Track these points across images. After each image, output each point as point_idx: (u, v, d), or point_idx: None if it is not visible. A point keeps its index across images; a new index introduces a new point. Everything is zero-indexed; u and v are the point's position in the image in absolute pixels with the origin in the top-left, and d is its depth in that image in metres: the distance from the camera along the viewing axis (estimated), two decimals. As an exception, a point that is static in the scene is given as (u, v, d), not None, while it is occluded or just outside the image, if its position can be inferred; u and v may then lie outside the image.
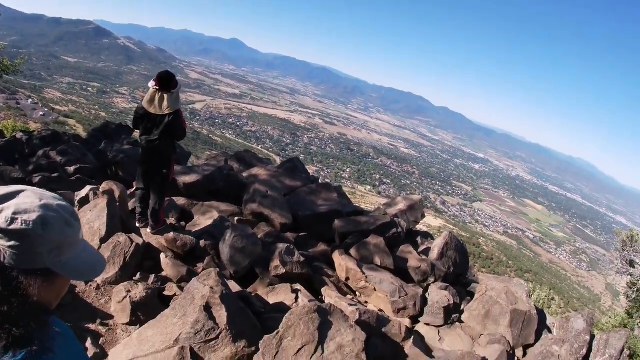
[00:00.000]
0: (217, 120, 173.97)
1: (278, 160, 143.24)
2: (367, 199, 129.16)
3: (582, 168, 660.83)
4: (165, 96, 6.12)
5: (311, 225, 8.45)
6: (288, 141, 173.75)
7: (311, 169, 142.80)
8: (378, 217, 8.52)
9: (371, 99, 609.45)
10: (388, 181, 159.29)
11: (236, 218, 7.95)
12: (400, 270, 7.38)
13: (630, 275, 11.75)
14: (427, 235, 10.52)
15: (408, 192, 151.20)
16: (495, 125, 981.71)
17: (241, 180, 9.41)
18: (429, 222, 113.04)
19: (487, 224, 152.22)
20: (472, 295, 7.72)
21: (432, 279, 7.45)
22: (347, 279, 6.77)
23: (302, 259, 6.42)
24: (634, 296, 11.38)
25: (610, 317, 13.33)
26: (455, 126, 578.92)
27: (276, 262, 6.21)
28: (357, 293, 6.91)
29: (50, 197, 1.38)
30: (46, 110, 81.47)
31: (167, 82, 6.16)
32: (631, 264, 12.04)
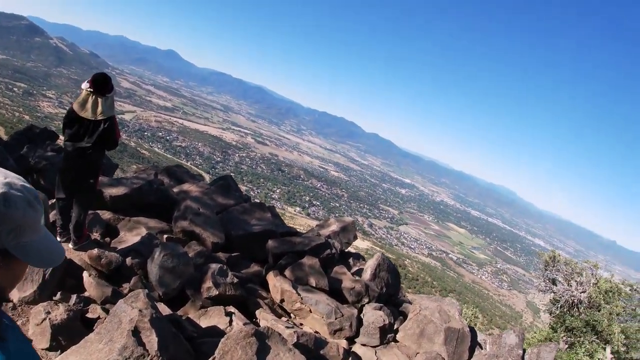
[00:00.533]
0: (146, 133, 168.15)
1: (207, 178, 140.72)
2: (296, 220, 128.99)
3: (503, 194, 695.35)
4: (100, 100, 5.69)
5: (244, 245, 8.21)
6: (219, 159, 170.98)
7: (241, 189, 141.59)
8: (312, 237, 8.45)
9: (304, 121, 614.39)
10: (318, 203, 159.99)
11: (165, 236, 7.58)
12: (335, 291, 7.33)
13: (554, 293, 12.36)
14: (358, 257, 10.56)
15: (337, 215, 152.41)
16: (422, 153, 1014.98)
17: (172, 196, 9.02)
18: (357, 244, 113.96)
19: (412, 246, 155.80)
20: (405, 315, 7.79)
21: (366, 300, 7.45)
22: (282, 300, 6.61)
23: (235, 280, 6.18)
24: (557, 312, 11.96)
25: (535, 332, 13.94)
26: (384, 152, 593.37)
27: (208, 283, 5.94)
28: (292, 315, 6.76)
29: (14, 177, 1.34)
30: None
31: (102, 84, 5.74)
32: (553, 282, 12.67)
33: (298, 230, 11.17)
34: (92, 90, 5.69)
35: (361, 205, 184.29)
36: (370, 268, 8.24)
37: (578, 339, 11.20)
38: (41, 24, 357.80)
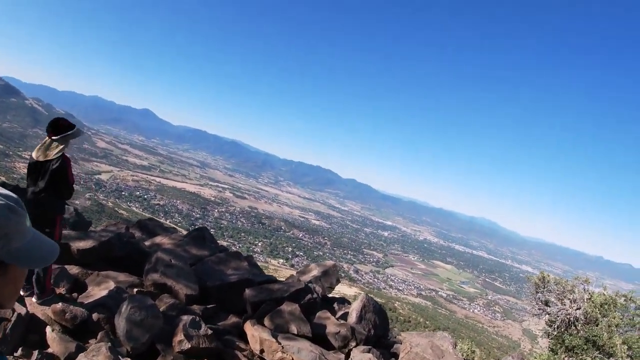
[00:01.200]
0: (123, 193, 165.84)
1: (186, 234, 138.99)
2: (280, 272, 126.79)
3: (484, 226, 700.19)
4: (53, 140, 5.56)
5: (221, 296, 7.78)
6: (198, 215, 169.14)
7: (222, 244, 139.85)
8: (292, 283, 8.08)
9: (281, 172, 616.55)
10: (301, 253, 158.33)
11: (136, 289, 7.17)
12: (319, 337, 6.93)
13: (548, 315, 12.04)
14: (343, 301, 10.19)
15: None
16: (401, 194, 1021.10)
17: (143, 249, 8.63)
18: (344, 290, 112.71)
19: (400, 287, 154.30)
20: (396, 356, 7.38)
21: (353, 344, 7.04)
22: (262, 350, 6.16)
23: (209, 332, 5.76)
24: (555, 333, 11.61)
25: (535, 358, 13.49)
26: (363, 196, 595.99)
27: (180, 336, 5.53)
28: (274, 366, 6.32)
29: None
30: None
31: (54, 125, 5.61)
32: (546, 303, 12.37)
33: (280, 279, 10.80)
34: (47, 133, 5.63)
35: (345, 251, 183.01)
36: (356, 310, 7.87)
37: (580, 357, 10.86)
38: (17, 85, 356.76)
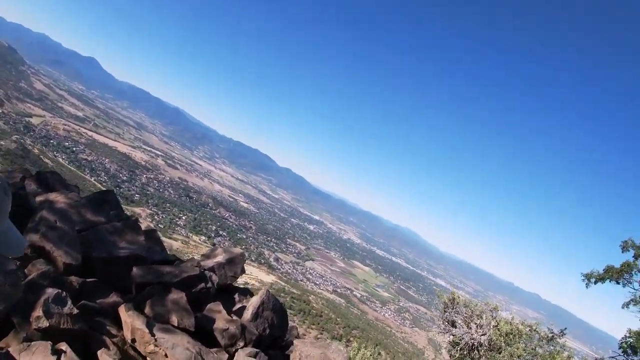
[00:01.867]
0: (52, 141, 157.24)
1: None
2: (200, 249, 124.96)
3: (407, 235, 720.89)
4: None
5: (105, 270, 6.95)
6: (125, 178, 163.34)
7: (145, 211, 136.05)
8: (185, 268, 7.36)
9: (218, 149, 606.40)
10: (224, 233, 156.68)
11: (5, 253, 6.24)
12: (205, 332, 6.31)
13: (453, 335, 12.06)
14: (246, 292, 9.60)
15: (243, 246, 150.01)
16: (333, 191, 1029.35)
17: (30, 205, 7.61)
18: (262, 277, 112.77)
19: (317, 282, 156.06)
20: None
21: (241, 343, 6.48)
22: (134, 340, 5.47)
23: (75, 311, 5.02)
24: (457, 355, 11.61)
25: None
26: (296, 187, 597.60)
27: (39, 311, 4.77)
28: (147, 358, 5.63)
29: None
30: None
31: None
32: (452, 324, 12.38)
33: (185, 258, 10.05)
34: None
35: (268, 238, 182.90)
36: (253, 306, 7.33)
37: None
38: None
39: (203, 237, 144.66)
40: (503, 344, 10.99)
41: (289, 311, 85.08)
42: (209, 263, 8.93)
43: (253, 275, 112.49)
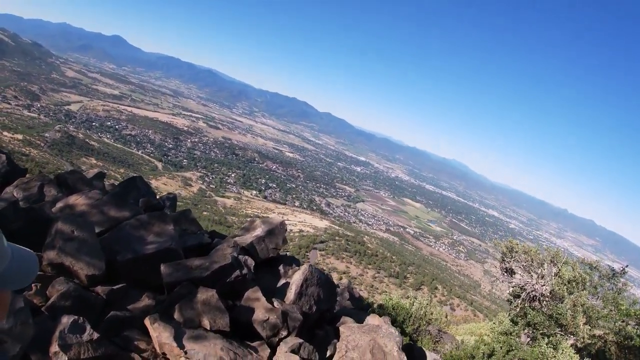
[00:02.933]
0: (94, 123, 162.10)
1: (160, 166, 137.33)
2: (253, 203, 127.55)
3: (455, 168, 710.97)
4: None
5: (134, 272, 6.50)
6: (170, 145, 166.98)
7: (195, 175, 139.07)
8: (216, 258, 6.82)
9: (256, 103, 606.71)
10: (274, 185, 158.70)
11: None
12: (244, 326, 5.86)
13: (512, 288, 11.51)
14: (292, 262, 9.15)
15: (294, 195, 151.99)
16: (376, 130, 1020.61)
17: (47, 217, 7.18)
18: (315, 223, 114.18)
19: (370, 222, 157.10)
20: (339, 333, 6.41)
21: (284, 333, 6.01)
22: (164, 353, 5.04)
23: (95, 335, 4.56)
24: (519, 306, 11.05)
25: (495, 324, 13.11)
26: (338, 131, 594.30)
27: (55, 346, 4.34)
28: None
29: None
30: None
31: None
32: (511, 273, 11.79)
33: (226, 232, 9.63)
34: None
35: (317, 185, 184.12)
36: (296, 285, 6.86)
37: (540, 332, 10.34)
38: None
39: (254, 192, 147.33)
40: (565, 293, 10.28)
41: (344, 253, 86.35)
42: (247, 238, 8.48)
43: (307, 222, 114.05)
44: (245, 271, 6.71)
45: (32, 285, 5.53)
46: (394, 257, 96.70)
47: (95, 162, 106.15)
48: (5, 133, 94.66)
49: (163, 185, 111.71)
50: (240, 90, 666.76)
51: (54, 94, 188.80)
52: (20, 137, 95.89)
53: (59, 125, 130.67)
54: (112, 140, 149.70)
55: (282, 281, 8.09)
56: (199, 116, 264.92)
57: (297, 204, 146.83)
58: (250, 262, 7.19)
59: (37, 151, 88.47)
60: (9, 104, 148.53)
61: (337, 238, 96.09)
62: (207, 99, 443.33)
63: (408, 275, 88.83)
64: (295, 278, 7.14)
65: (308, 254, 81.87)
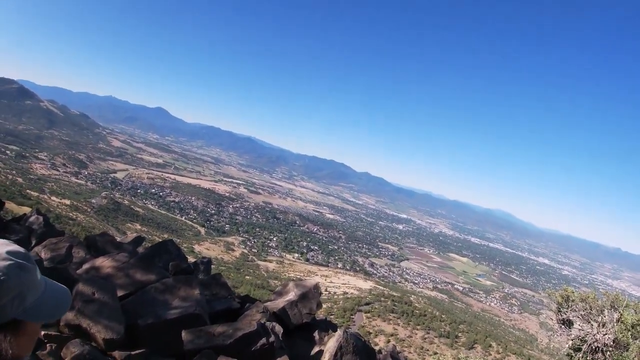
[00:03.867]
0: (139, 190, 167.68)
1: (203, 231, 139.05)
2: (295, 267, 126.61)
3: (500, 218, 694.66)
4: None
5: (154, 337, 6.05)
6: (213, 211, 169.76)
7: (237, 239, 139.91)
8: (241, 325, 6.31)
9: (295, 167, 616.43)
10: (316, 247, 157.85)
11: (43, 332, 5.55)
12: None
13: (571, 341, 10.51)
14: (327, 327, 8.53)
15: (336, 257, 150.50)
16: (415, 186, 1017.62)
17: (70, 277, 6.94)
18: (359, 284, 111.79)
19: (416, 281, 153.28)
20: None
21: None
22: None
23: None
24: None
25: None
26: (377, 190, 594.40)
27: None
28: None
29: None
30: None
31: None
32: (569, 324, 10.82)
33: (263, 298, 9.13)
34: None
35: (360, 245, 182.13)
36: (329, 353, 6.29)
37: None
38: (31, 87, 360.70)
39: (296, 255, 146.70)
40: (630, 340, 9.26)
41: (391, 315, 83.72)
42: (279, 303, 7.99)
43: (351, 284, 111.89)
44: (272, 339, 6.15)
45: (47, 345, 5.27)
46: (443, 316, 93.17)
47: (140, 227, 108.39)
48: (53, 198, 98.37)
49: (206, 250, 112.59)
50: (279, 156, 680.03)
51: (101, 162, 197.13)
52: (68, 202, 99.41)
53: (105, 192, 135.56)
54: (156, 207, 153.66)
55: (316, 348, 7.50)
56: (240, 182, 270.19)
57: (340, 265, 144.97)
58: (279, 329, 6.65)
59: (83, 216, 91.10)
60: (58, 170, 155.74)
61: (382, 299, 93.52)
62: (247, 165, 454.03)
63: (460, 334, 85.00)
64: (329, 346, 6.57)
65: (353, 316, 79.74)
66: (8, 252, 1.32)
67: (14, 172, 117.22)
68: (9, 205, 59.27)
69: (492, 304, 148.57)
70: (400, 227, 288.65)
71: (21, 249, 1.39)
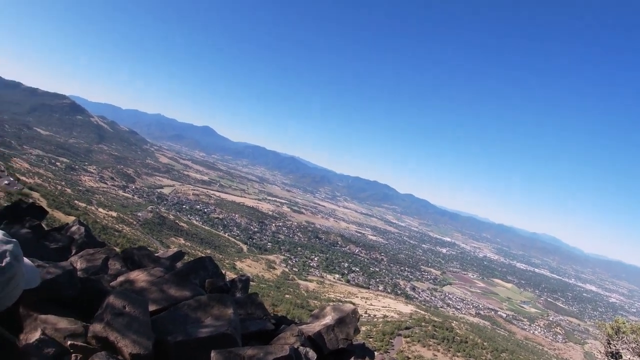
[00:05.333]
0: (184, 206, 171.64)
1: (245, 249, 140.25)
2: (336, 287, 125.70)
3: (547, 242, 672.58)
4: None
5: (183, 355, 5.83)
6: (256, 229, 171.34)
7: (279, 258, 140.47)
8: (272, 349, 6.00)
9: (338, 187, 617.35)
10: (357, 269, 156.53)
11: (70, 342, 5.40)
12: None
13: None
14: (364, 353, 8.14)
15: (377, 279, 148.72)
16: (460, 209, 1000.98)
17: (103, 289, 6.84)
18: (400, 308, 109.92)
19: (458, 306, 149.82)
20: None
21: None
22: None
23: None
24: None
25: None
26: (421, 212, 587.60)
27: None
28: None
29: None
30: (11, 179, 77.47)
31: None
32: (618, 357, 10.11)
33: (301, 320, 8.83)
34: None
35: (402, 268, 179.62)
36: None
37: None
38: (83, 103, 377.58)
39: (337, 275, 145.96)
40: None
41: (431, 340, 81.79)
42: (316, 327, 7.65)
43: (391, 307, 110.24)
44: (306, 363, 5.83)
45: (72, 355, 5.19)
46: (485, 344, 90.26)
47: (183, 242, 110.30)
48: (100, 210, 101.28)
49: (247, 267, 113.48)
50: (322, 176, 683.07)
51: (148, 178, 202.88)
52: (114, 214, 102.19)
53: (152, 206, 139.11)
54: (200, 223, 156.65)
55: (354, 376, 7.11)
56: (283, 201, 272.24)
57: (380, 288, 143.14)
58: (312, 355, 6.29)
59: (129, 228, 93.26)
60: (106, 183, 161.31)
61: (423, 324, 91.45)
62: (290, 184, 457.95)
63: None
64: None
65: (392, 340, 78.19)
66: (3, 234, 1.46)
67: (63, 182, 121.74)
68: (57, 214, 61.32)
69: (536, 332, 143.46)
70: (444, 250, 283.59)
71: (10, 238, 1.52)
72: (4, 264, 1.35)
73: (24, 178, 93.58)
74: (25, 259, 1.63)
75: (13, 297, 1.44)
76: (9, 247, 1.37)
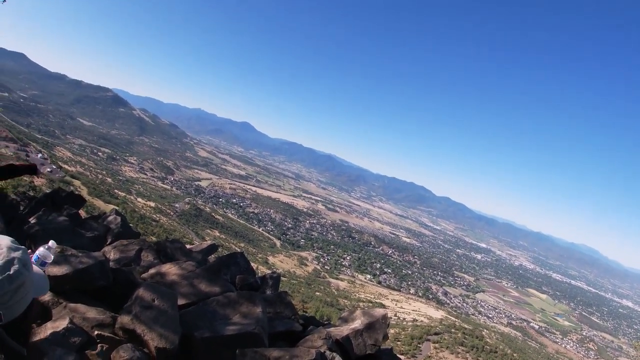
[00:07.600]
0: (220, 199, 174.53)
1: (278, 244, 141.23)
2: (367, 288, 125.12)
3: (585, 254, 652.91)
4: None
5: (208, 353, 5.80)
6: (290, 225, 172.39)
7: (311, 255, 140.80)
8: (298, 351, 5.89)
9: (374, 187, 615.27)
10: (389, 271, 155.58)
11: (97, 332, 5.44)
12: None
13: None
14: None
15: (409, 282, 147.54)
16: (497, 215, 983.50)
17: (134, 281, 6.89)
18: (430, 313, 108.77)
19: (490, 315, 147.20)
20: None
21: None
22: None
23: None
24: None
25: None
26: (457, 216, 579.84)
27: None
28: None
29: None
30: (54, 167, 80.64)
31: None
32: None
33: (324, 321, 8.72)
34: None
35: (435, 272, 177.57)
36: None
37: None
38: (125, 96, 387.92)
39: (368, 276, 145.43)
40: None
41: (460, 348, 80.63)
42: (344, 330, 7.53)
43: (422, 312, 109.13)
44: (333, 368, 5.72)
45: (98, 345, 5.23)
46: (515, 355, 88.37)
47: (218, 234, 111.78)
48: (139, 199, 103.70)
49: (279, 262, 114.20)
50: (358, 175, 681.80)
51: (187, 170, 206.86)
52: (152, 204, 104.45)
53: (189, 198, 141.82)
54: (235, 216, 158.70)
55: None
56: (318, 199, 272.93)
57: (412, 291, 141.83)
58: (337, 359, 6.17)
59: (166, 219, 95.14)
60: (146, 174, 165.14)
61: (453, 330, 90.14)
62: (326, 182, 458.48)
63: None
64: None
65: (420, 345, 77.36)
66: (11, 241, 1.48)
67: (104, 172, 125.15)
68: (97, 202, 63.07)
69: (568, 346, 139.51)
70: (479, 256, 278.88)
71: (20, 246, 1.55)
72: (12, 271, 1.34)
73: (66, 166, 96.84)
74: (35, 267, 1.62)
75: (22, 305, 1.43)
76: (17, 254, 1.37)
